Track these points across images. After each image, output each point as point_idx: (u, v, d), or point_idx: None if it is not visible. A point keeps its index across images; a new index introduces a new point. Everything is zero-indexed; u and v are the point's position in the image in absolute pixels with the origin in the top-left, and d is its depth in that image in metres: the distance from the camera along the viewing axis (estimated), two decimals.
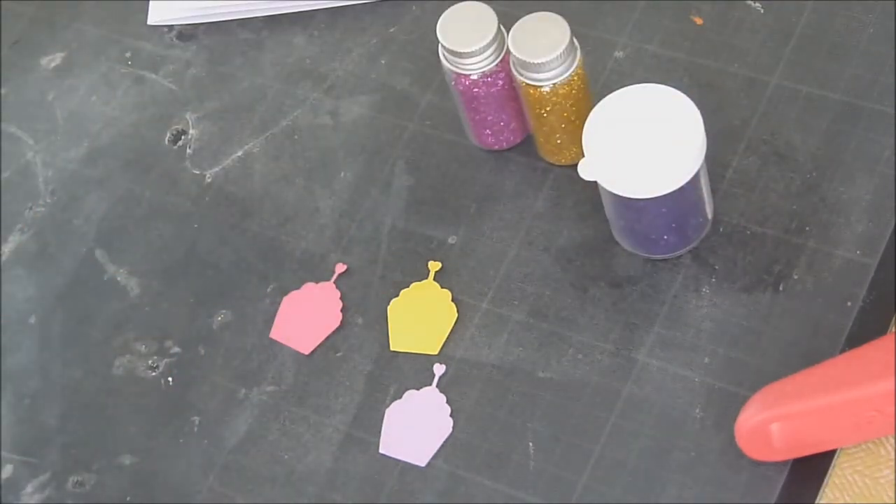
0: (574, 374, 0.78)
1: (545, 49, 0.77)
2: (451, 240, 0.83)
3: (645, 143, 0.74)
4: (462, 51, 0.78)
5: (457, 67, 0.80)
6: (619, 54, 0.87)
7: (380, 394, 0.80)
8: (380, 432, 0.79)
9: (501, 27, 0.79)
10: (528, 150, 0.85)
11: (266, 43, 0.93)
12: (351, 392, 0.80)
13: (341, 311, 0.83)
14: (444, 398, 0.79)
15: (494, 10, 0.79)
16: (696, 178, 0.74)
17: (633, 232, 0.79)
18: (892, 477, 0.72)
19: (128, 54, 0.95)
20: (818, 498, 0.72)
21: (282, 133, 0.90)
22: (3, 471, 0.83)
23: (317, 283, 0.84)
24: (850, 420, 0.70)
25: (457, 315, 0.81)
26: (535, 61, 0.77)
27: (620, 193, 0.74)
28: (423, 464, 0.78)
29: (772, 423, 0.71)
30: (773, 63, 0.84)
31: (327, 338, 0.82)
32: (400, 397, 0.79)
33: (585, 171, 0.75)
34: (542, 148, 0.84)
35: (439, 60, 0.80)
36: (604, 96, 0.76)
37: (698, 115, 0.74)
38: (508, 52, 0.78)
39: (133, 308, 0.86)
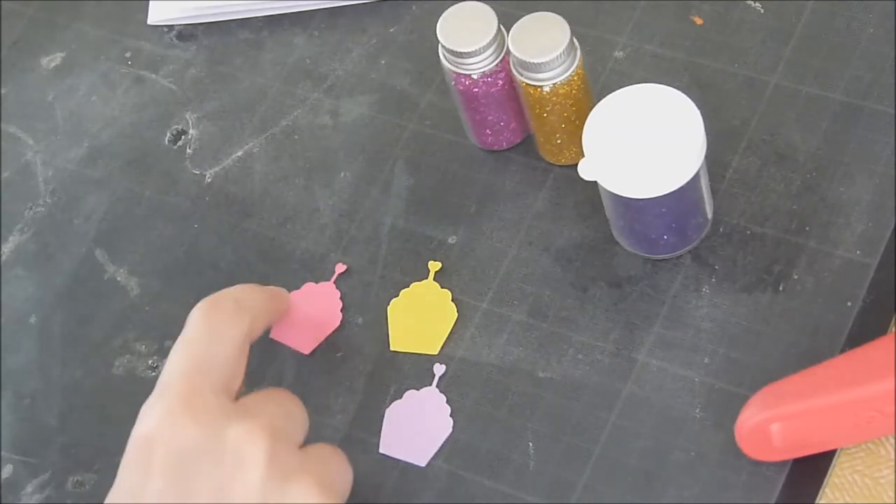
0: (574, 374, 0.78)
1: (545, 49, 0.77)
2: (451, 240, 0.84)
3: (645, 143, 0.74)
4: (462, 51, 0.78)
5: (457, 67, 0.80)
6: (619, 54, 0.87)
7: (380, 394, 0.80)
8: (380, 432, 0.79)
9: (501, 27, 0.79)
10: (528, 150, 0.85)
11: (266, 43, 0.93)
12: (351, 392, 0.80)
13: (341, 311, 0.83)
14: (444, 398, 0.79)
15: (494, 10, 0.79)
16: (696, 178, 0.74)
17: (633, 232, 0.79)
18: (892, 477, 0.72)
19: (128, 54, 0.95)
20: (818, 498, 0.72)
21: (282, 133, 0.90)
22: (3, 471, 0.83)
23: (317, 283, 0.84)
24: (850, 420, 0.70)
25: (457, 315, 0.81)
26: (535, 61, 0.77)
27: (620, 193, 0.74)
28: (423, 464, 0.78)
29: (772, 423, 0.71)
30: (773, 63, 0.84)
31: (327, 338, 0.82)
32: (400, 397, 0.79)
33: (585, 171, 0.75)
34: (542, 148, 0.84)
35: (439, 60, 0.80)
36: (604, 96, 0.76)
37: (698, 115, 0.74)
38: (508, 52, 0.79)
39: (133, 308, 0.86)
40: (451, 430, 0.78)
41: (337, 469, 0.71)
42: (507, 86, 0.81)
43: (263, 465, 0.66)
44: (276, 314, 0.78)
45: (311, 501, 0.67)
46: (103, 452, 0.82)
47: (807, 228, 0.79)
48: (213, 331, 0.71)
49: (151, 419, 0.68)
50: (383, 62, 0.91)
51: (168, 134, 0.92)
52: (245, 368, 0.73)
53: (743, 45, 0.85)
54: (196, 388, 0.68)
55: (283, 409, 0.71)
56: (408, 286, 0.82)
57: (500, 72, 0.80)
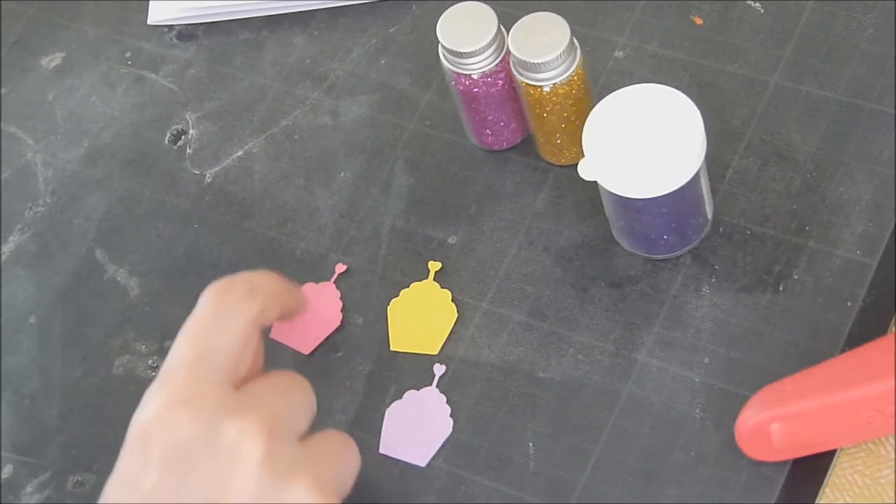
0: (574, 374, 0.78)
1: (545, 49, 0.77)
2: (451, 240, 0.84)
3: (645, 143, 0.74)
4: (462, 51, 0.78)
5: (457, 67, 0.80)
6: (619, 54, 0.87)
7: (380, 394, 0.80)
8: (380, 432, 0.79)
9: (501, 27, 0.79)
10: (528, 150, 0.85)
11: (266, 43, 0.93)
12: (351, 392, 0.80)
13: (341, 311, 0.83)
14: (444, 398, 0.79)
15: (494, 10, 0.79)
16: (696, 178, 0.74)
17: (633, 232, 0.79)
18: (892, 477, 0.72)
19: (128, 54, 0.95)
20: (818, 498, 0.72)
21: (282, 133, 0.90)
22: (3, 471, 0.83)
23: (317, 283, 0.84)
24: (850, 420, 0.70)
25: (457, 315, 0.81)
26: (535, 61, 0.77)
27: (620, 193, 0.74)
28: (423, 464, 0.78)
29: (772, 423, 0.71)
30: (773, 63, 0.84)
31: (327, 338, 0.82)
32: (400, 397, 0.79)
33: (585, 171, 0.75)
34: (542, 148, 0.84)
35: (439, 60, 0.80)
36: (604, 96, 0.76)
37: (698, 115, 0.74)
38: (508, 52, 0.79)
39: (133, 308, 0.86)
40: (451, 430, 0.78)
41: (341, 460, 0.70)
42: (507, 86, 0.81)
43: (259, 463, 0.66)
44: (291, 308, 0.76)
45: (308, 502, 0.66)
46: (103, 452, 0.82)
47: (807, 228, 0.79)
48: (222, 312, 0.70)
49: (151, 409, 0.67)
50: (383, 62, 0.91)
51: (168, 134, 0.92)
52: (259, 353, 0.72)
53: (743, 45, 0.85)
54: (197, 379, 0.68)
55: (285, 398, 0.69)
56: (408, 286, 0.82)
57: (500, 72, 0.80)
